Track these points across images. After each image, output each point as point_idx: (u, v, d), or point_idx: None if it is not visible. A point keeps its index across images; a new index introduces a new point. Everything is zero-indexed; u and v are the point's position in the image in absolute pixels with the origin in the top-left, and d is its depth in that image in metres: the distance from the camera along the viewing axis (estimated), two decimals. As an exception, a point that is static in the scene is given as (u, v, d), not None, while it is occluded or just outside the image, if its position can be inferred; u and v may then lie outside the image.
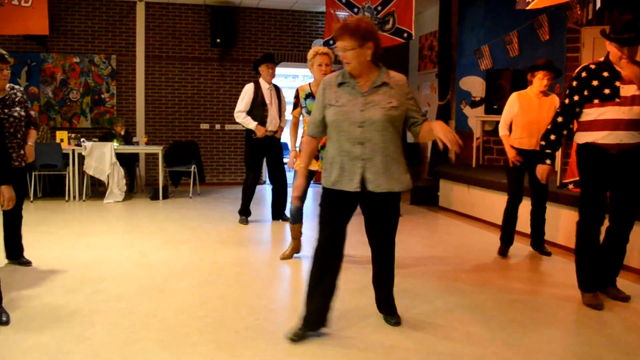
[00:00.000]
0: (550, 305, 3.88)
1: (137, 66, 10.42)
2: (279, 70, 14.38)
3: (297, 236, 4.99)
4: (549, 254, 5.26)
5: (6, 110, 4.34)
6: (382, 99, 3.02)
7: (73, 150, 8.25)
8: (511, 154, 5.11)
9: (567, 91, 3.86)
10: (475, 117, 8.67)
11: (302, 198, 3.78)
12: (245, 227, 6.49)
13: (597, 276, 3.89)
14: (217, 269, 4.69)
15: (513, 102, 5.16)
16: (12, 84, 4.48)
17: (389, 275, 3.40)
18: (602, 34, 3.71)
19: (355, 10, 9.01)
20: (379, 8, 8.79)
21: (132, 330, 3.28)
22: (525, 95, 5.15)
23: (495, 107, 7.97)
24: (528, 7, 6.59)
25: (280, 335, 3.22)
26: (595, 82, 3.70)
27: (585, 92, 3.73)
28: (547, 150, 3.93)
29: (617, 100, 3.63)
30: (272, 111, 6.54)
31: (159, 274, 4.46)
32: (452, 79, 9.06)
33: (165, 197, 8.68)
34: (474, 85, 8.84)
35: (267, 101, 6.53)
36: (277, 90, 6.72)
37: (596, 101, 3.69)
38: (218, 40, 10.25)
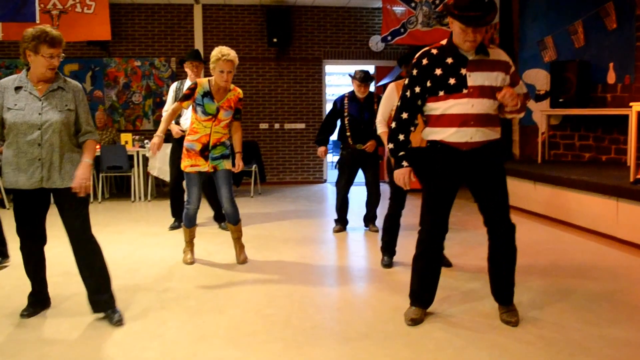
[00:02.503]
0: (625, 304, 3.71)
1: (196, 68, 10.59)
2: (336, 68, 13.80)
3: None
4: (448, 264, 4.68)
5: None
6: (59, 103, 3.25)
7: (137, 152, 8.48)
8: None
9: (407, 81, 3.30)
10: (540, 111, 8.40)
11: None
12: (308, 226, 6.51)
13: (432, 293, 3.46)
14: (282, 267, 4.71)
15: (391, 94, 4.55)
16: None
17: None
18: (445, 8, 3.24)
19: (413, 5, 8.91)
20: (437, 2, 8.66)
21: (201, 328, 3.33)
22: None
23: (561, 100, 7.72)
24: (595, -5, 6.36)
25: (348, 334, 3.20)
26: (438, 71, 3.17)
27: (429, 83, 3.20)
28: (401, 153, 3.29)
29: (465, 91, 3.13)
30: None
31: (225, 273, 4.52)
32: (514, 72, 8.82)
33: (226, 196, 8.79)
34: (538, 78, 8.56)
35: None
36: None
37: (441, 93, 3.17)
38: (275, 40, 10.31)
